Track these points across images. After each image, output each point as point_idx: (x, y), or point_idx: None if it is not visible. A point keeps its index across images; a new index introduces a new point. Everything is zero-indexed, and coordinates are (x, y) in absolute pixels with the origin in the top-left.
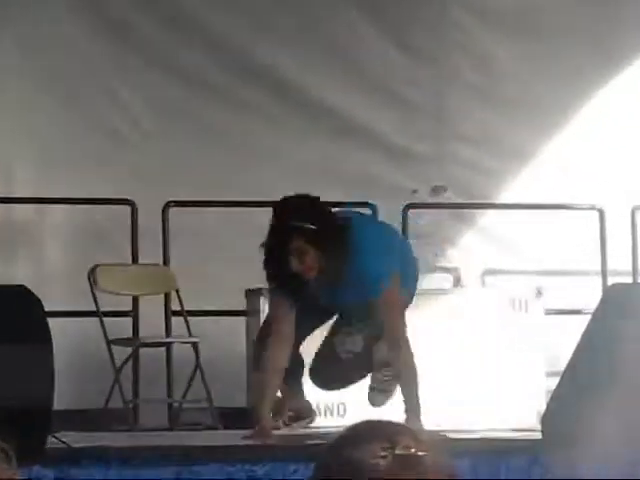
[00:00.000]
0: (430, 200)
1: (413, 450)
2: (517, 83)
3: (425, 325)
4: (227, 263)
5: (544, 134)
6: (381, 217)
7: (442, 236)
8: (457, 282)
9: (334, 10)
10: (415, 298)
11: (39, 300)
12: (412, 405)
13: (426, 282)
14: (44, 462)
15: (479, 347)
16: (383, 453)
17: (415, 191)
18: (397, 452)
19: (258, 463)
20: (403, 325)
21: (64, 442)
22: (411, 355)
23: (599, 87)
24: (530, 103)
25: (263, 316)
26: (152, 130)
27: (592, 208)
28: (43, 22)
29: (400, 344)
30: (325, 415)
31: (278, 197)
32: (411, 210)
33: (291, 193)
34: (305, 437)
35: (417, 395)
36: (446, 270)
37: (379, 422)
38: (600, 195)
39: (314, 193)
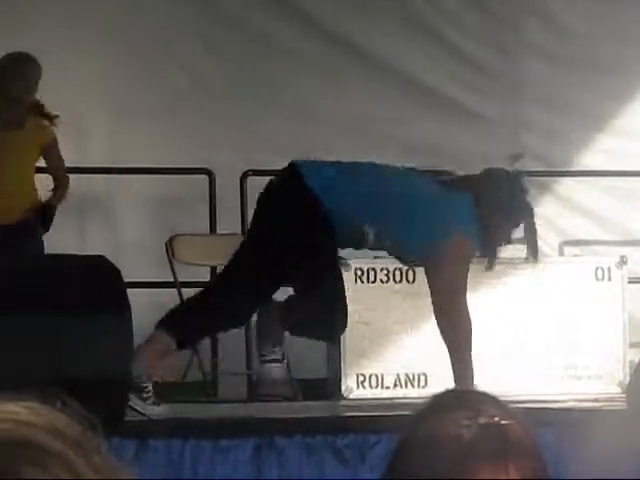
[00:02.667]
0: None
1: (497, 419)
2: (596, 49)
3: (504, 295)
4: None
5: (623, 99)
6: None
7: None
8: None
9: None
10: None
11: (118, 270)
12: (461, 372)
13: (504, 252)
14: (124, 433)
15: (560, 316)
16: (467, 422)
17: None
18: (481, 421)
19: (338, 434)
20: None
21: (144, 414)
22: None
23: None
24: (608, 69)
25: (345, 281)
26: (227, 98)
27: None
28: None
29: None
30: (406, 386)
31: None
32: None
33: (365, 160)
34: (386, 408)
35: (467, 361)
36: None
37: (463, 392)
38: None
39: (389, 160)
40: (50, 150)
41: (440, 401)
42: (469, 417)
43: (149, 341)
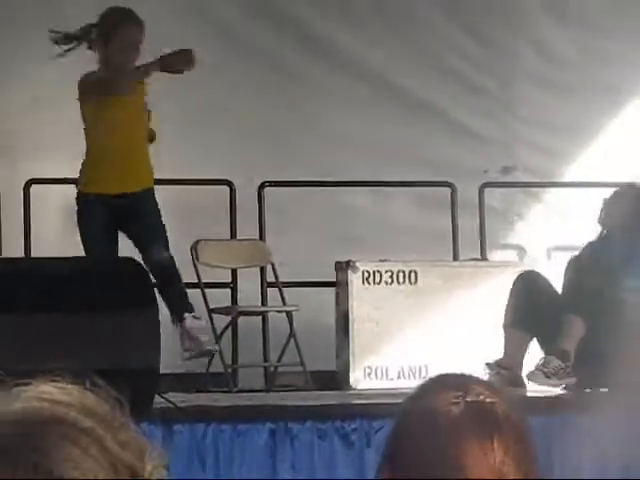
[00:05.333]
0: (502, 179)
1: (483, 397)
2: (577, 71)
3: (494, 295)
4: (318, 238)
5: (606, 118)
6: (460, 195)
7: (513, 213)
8: (521, 256)
9: (416, 10)
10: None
11: (146, 271)
12: None
13: (494, 256)
14: (152, 419)
15: None
16: (455, 400)
17: (486, 171)
18: (468, 399)
19: (346, 420)
20: None
21: (171, 402)
22: None
23: None
24: (590, 88)
25: (351, 287)
26: (247, 117)
27: None
28: None
29: None
30: (409, 377)
31: (362, 177)
32: (486, 189)
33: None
34: (390, 397)
35: None
36: (511, 246)
37: (453, 374)
38: None
39: (397, 174)
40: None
41: (431, 381)
42: (457, 395)
43: None
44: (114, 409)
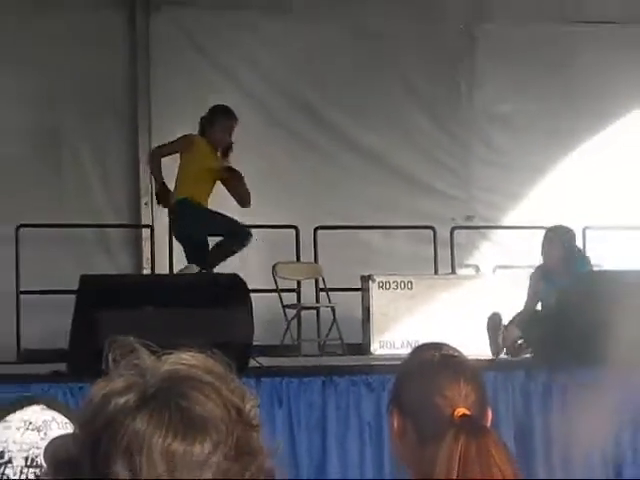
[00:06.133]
0: (464, 224)
1: (451, 352)
2: (521, 142)
3: (461, 296)
4: (349, 260)
5: (554, 159)
6: (438, 234)
7: (472, 245)
8: (477, 272)
9: (403, 107)
10: (450, 282)
11: (244, 282)
12: None
13: (460, 272)
14: (248, 374)
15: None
16: (435, 354)
17: (454, 219)
18: (443, 353)
19: (369, 374)
20: None
21: (260, 363)
22: None
23: (576, 146)
24: (528, 154)
25: (371, 292)
26: (306, 173)
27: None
28: None
29: None
30: (407, 347)
31: (376, 222)
32: (455, 230)
33: (382, 219)
34: (397, 359)
35: None
36: (470, 266)
37: (431, 342)
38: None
39: (399, 220)
40: None
41: (419, 346)
42: (435, 351)
43: None
44: (225, 368)
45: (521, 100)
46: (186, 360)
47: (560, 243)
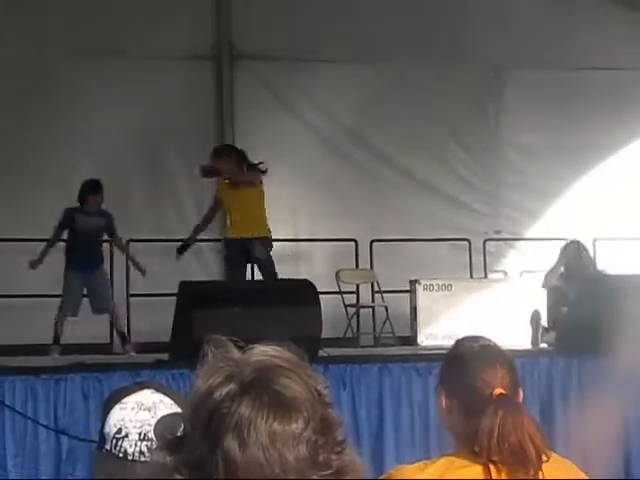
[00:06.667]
0: (494, 237)
1: (488, 342)
2: (540, 168)
3: (492, 296)
4: (400, 266)
5: (566, 182)
6: (472, 245)
7: (500, 254)
8: (505, 276)
9: (443, 141)
10: (483, 284)
11: (314, 285)
12: None
13: (491, 276)
14: (318, 362)
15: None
16: (475, 344)
17: (486, 232)
18: (481, 343)
19: (417, 362)
20: None
21: (327, 353)
22: None
23: (587, 170)
24: (545, 178)
25: (417, 293)
26: (362, 192)
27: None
28: None
29: None
30: (449, 339)
31: (423, 236)
32: (487, 242)
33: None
34: (440, 349)
35: None
36: (500, 271)
37: (471, 335)
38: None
39: (440, 233)
40: None
41: (461, 338)
42: (474, 342)
43: None
44: (301, 358)
45: (540, 132)
46: (269, 352)
47: (580, 252)
